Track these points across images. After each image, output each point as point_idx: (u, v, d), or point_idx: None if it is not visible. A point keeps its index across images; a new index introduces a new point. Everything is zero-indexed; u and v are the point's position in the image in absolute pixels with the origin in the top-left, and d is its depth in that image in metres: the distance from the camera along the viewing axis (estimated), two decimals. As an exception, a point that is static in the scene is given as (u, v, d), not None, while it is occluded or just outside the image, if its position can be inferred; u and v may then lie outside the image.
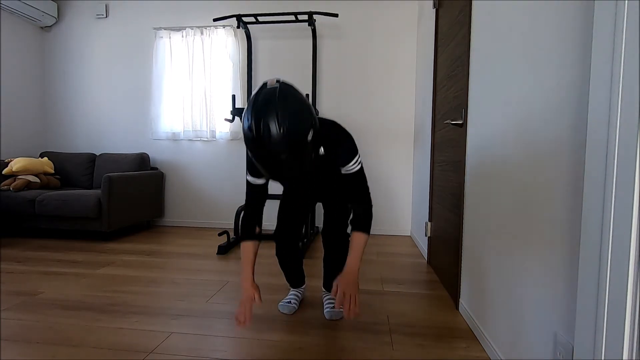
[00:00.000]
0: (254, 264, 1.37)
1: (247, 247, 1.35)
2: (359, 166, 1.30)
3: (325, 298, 1.67)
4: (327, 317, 1.56)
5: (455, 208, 1.75)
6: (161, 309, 1.61)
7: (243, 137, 1.07)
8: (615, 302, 0.62)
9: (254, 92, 1.05)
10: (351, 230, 1.34)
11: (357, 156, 1.29)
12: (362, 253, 1.30)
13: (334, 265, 1.60)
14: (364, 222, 1.31)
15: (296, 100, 1.04)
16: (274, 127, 0.97)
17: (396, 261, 2.40)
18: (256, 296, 1.30)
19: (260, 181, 1.37)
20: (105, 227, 2.79)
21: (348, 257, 1.29)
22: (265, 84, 1.05)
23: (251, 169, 1.35)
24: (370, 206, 1.33)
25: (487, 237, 1.32)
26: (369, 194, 1.34)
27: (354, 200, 1.33)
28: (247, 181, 1.37)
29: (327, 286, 1.67)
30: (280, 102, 0.99)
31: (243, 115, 1.05)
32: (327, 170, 1.37)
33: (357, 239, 1.30)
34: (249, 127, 0.99)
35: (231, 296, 1.77)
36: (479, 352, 1.28)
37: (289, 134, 0.98)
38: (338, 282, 1.23)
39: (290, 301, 1.64)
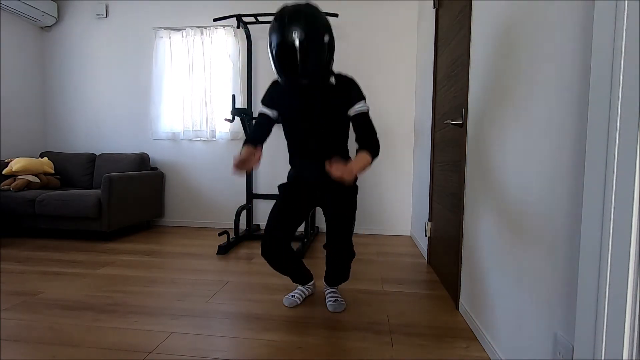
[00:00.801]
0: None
1: (247, 146, 1.45)
2: (368, 108, 1.43)
3: (327, 292, 1.69)
4: (329, 309, 1.59)
5: (455, 208, 1.75)
6: (161, 309, 1.61)
7: (268, 34, 1.28)
8: (615, 302, 0.62)
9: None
10: (357, 149, 1.41)
11: (365, 100, 1.43)
12: (363, 166, 1.35)
13: (337, 261, 1.60)
14: (371, 145, 1.39)
15: (318, 10, 1.27)
16: (298, 12, 1.20)
17: (396, 261, 2.40)
18: (258, 154, 1.29)
19: (270, 112, 1.50)
20: (105, 227, 2.79)
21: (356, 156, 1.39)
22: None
23: (265, 97, 1.51)
24: (379, 146, 1.43)
25: (487, 237, 1.32)
26: (377, 136, 1.44)
27: (363, 140, 1.41)
28: (259, 113, 1.53)
29: (329, 281, 1.68)
30: (305, 5, 1.24)
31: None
32: (336, 112, 1.43)
33: (361, 154, 1.37)
34: (274, 19, 1.23)
35: (231, 296, 1.77)
36: (479, 352, 1.28)
37: (309, 20, 1.20)
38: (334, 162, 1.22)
39: (294, 295, 1.67)
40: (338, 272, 1.62)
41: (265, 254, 1.48)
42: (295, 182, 1.58)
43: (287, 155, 1.63)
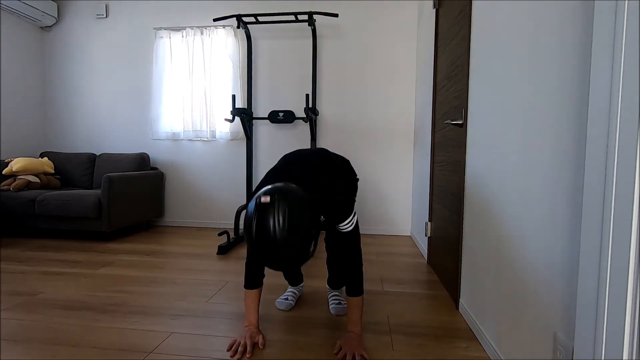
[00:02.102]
0: (258, 308, 1.39)
1: (251, 294, 1.36)
2: (353, 226, 1.29)
3: (330, 295, 1.69)
4: (332, 312, 1.59)
5: (455, 208, 1.75)
6: (161, 309, 1.61)
7: (244, 232, 1.06)
8: (615, 302, 0.62)
9: (252, 209, 1.02)
10: (346, 296, 1.34)
11: (352, 216, 1.28)
12: (362, 314, 1.33)
13: (339, 265, 1.60)
14: (356, 286, 1.32)
15: (296, 220, 1.00)
16: (279, 252, 0.98)
17: (396, 261, 2.40)
18: (261, 340, 1.31)
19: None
20: (105, 227, 2.79)
21: (348, 323, 1.32)
22: (259, 198, 1.01)
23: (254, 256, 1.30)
24: (361, 266, 1.34)
25: (487, 237, 1.32)
26: (360, 254, 1.34)
27: (345, 256, 1.33)
28: (250, 262, 1.36)
29: (332, 284, 1.69)
30: (281, 230, 0.97)
31: (245, 217, 1.05)
32: (327, 226, 1.35)
33: (353, 304, 1.32)
34: (254, 245, 0.99)
35: (231, 296, 1.77)
36: (479, 352, 1.28)
37: (291, 251, 0.99)
38: (342, 344, 1.26)
39: (287, 298, 1.66)
40: (341, 266, 1.54)
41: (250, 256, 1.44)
42: None
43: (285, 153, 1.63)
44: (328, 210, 1.22)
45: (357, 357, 1.20)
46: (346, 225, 1.28)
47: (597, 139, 0.66)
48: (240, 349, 1.25)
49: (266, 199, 1.00)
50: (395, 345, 1.32)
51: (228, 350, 1.27)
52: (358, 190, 1.59)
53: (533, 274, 0.98)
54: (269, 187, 1.05)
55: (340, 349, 1.26)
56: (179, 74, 3.40)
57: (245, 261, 1.41)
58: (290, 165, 1.31)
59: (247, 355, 1.24)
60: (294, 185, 1.08)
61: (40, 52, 3.67)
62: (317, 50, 3.24)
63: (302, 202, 1.03)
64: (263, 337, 1.33)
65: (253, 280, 1.35)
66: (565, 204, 0.83)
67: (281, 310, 1.61)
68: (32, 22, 3.51)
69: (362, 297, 1.33)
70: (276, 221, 0.97)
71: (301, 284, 1.75)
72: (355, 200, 1.36)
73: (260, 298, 1.39)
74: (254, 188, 3.26)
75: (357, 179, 1.46)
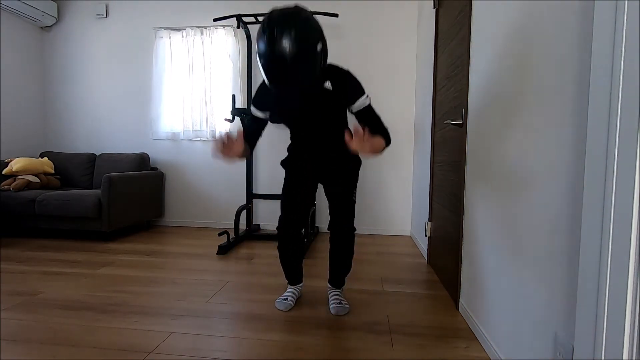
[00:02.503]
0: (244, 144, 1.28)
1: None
2: (370, 100, 1.35)
3: (331, 294, 1.69)
4: (332, 312, 1.58)
5: (455, 208, 1.75)
6: (161, 309, 1.61)
7: (256, 40, 1.14)
8: (615, 302, 0.62)
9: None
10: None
11: (366, 91, 1.34)
12: (379, 146, 1.24)
13: (340, 262, 1.65)
14: (382, 134, 1.30)
15: (309, 15, 1.14)
16: (287, 23, 1.07)
17: (396, 261, 2.40)
18: (239, 135, 1.23)
19: (262, 114, 1.43)
20: (105, 227, 2.79)
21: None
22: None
23: (256, 99, 1.42)
24: (389, 134, 1.35)
25: (487, 237, 1.32)
26: (385, 125, 1.36)
27: (373, 131, 1.28)
28: (251, 115, 1.45)
29: (333, 282, 1.69)
30: (294, 10, 1.10)
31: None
32: (334, 109, 1.38)
33: (376, 137, 1.23)
34: (262, 28, 1.09)
35: (231, 296, 1.77)
36: (479, 352, 1.28)
37: (300, 32, 1.07)
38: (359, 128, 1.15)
39: (286, 298, 1.66)
40: (343, 258, 1.65)
41: (282, 246, 1.61)
42: (298, 157, 1.59)
43: (285, 154, 1.64)
44: (338, 78, 1.30)
45: (354, 145, 1.13)
46: (364, 99, 1.33)
47: (597, 139, 0.66)
48: (218, 144, 1.19)
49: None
50: (395, 345, 1.32)
51: (217, 151, 1.21)
52: (358, 190, 1.61)
53: (533, 273, 0.98)
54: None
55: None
56: (179, 74, 3.40)
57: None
58: None
59: (225, 139, 1.18)
60: None
61: (40, 52, 3.67)
62: (317, 50, 3.24)
63: (316, 22, 1.15)
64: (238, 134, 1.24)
65: (245, 136, 1.29)
66: (565, 204, 0.83)
67: (281, 310, 1.61)
68: (32, 22, 3.51)
69: (384, 142, 1.29)
70: (290, 15, 1.09)
71: (300, 284, 1.75)
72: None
73: (245, 148, 1.30)
74: (253, 188, 3.26)
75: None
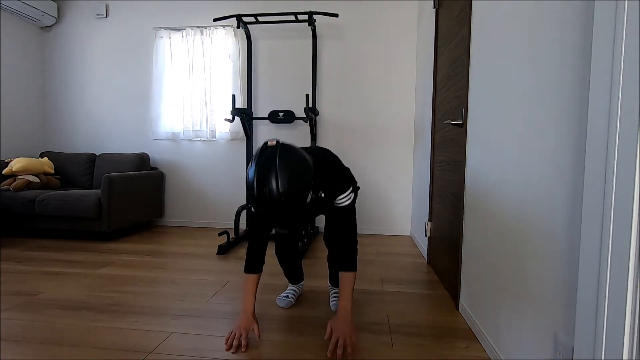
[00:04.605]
0: (255, 295, 1.39)
1: (250, 279, 1.38)
2: (349, 201, 1.33)
3: (331, 292, 1.70)
4: (333, 309, 1.60)
5: (455, 208, 1.75)
6: (161, 309, 1.61)
7: (246, 191, 1.13)
8: (615, 302, 0.62)
9: (256, 152, 1.10)
10: (339, 271, 1.36)
11: (350, 191, 1.32)
12: (353, 292, 1.34)
13: (339, 261, 1.59)
14: (349, 260, 1.34)
15: (296, 164, 1.09)
16: (274, 192, 1.03)
17: (396, 261, 2.40)
18: (256, 329, 1.31)
19: (265, 230, 1.40)
20: (105, 227, 2.79)
21: (339, 300, 1.33)
22: (266, 144, 1.10)
23: (256, 223, 1.38)
24: (355, 242, 1.36)
25: (487, 237, 1.32)
26: (355, 229, 1.37)
27: (339, 231, 1.36)
28: (253, 235, 1.39)
29: (333, 282, 1.70)
30: (280, 167, 1.04)
31: (247, 169, 1.11)
32: (326, 206, 1.37)
33: (345, 280, 1.33)
34: (252, 188, 1.05)
35: (231, 296, 1.77)
36: (479, 352, 1.28)
37: (289, 199, 1.04)
38: (332, 326, 1.27)
39: (287, 295, 1.67)
40: (342, 261, 1.43)
41: (279, 253, 1.60)
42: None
43: None
44: (326, 183, 1.26)
45: (347, 345, 1.20)
46: (343, 199, 1.32)
47: (597, 139, 0.66)
48: (235, 342, 1.26)
49: (272, 143, 1.09)
50: (395, 345, 1.32)
51: (225, 344, 1.28)
52: (358, 190, 1.60)
53: (533, 273, 0.98)
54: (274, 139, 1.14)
55: (332, 333, 1.26)
56: (179, 74, 3.40)
57: (247, 245, 1.46)
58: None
59: (243, 350, 1.25)
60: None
61: (40, 52, 3.67)
62: (317, 50, 3.24)
63: (304, 157, 1.12)
64: (258, 326, 1.33)
65: (253, 263, 1.38)
66: (565, 204, 0.83)
67: (281, 307, 1.62)
68: (32, 22, 3.51)
69: (355, 273, 1.35)
70: (278, 165, 1.04)
71: (301, 282, 1.76)
72: (355, 194, 1.39)
73: (258, 284, 1.40)
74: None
75: (358, 187, 1.43)
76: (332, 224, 1.43)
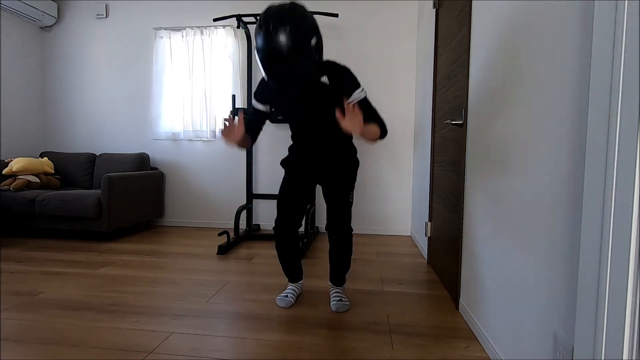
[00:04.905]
0: (244, 138, 1.44)
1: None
2: (365, 94, 1.38)
3: (332, 292, 1.70)
4: (333, 309, 1.60)
5: (455, 208, 1.75)
6: (161, 309, 1.61)
7: (254, 36, 1.20)
8: (615, 302, 0.62)
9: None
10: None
11: (361, 85, 1.38)
12: (373, 132, 1.35)
13: (339, 260, 1.65)
14: (378, 123, 1.37)
15: (304, 11, 1.19)
16: (282, 19, 1.12)
17: (396, 261, 2.40)
18: (240, 119, 1.33)
19: (262, 107, 1.50)
20: (105, 227, 2.79)
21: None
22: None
23: (257, 92, 1.49)
24: (385, 126, 1.41)
25: (487, 237, 1.32)
26: (381, 117, 1.42)
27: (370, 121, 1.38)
28: (252, 108, 1.52)
29: (334, 280, 1.70)
30: (289, 7, 1.16)
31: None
32: (331, 103, 1.39)
33: (371, 124, 1.35)
34: (259, 24, 1.15)
35: (231, 296, 1.77)
36: (479, 352, 1.28)
37: (295, 27, 1.13)
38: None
39: (287, 295, 1.68)
40: (341, 257, 1.64)
41: (279, 246, 1.62)
42: (297, 156, 1.61)
43: (285, 154, 1.65)
44: (334, 72, 1.36)
45: (345, 123, 1.18)
46: (360, 93, 1.37)
47: (597, 139, 0.66)
48: (225, 131, 1.30)
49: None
50: (395, 345, 1.32)
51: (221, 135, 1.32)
52: (358, 190, 1.62)
53: (533, 273, 0.98)
54: None
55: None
56: (179, 74, 3.40)
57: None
58: None
59: (235, 134, 1.30)
60: None
61: (40, 52, 3.67)
62: (317, 50, 3.24)
63: (311, 18, 1.21)
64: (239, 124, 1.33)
65: (251, 126, 1.50)
66: (565, 204, 0.83)
67: (281, 307, 1.62)
68: (32, 22, 3.51)
69: (379, 131, 1.39)
70: (285, 11, 1.15)
71: (300, 281, 1.76)
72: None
73: (246, 140, 1.47)
74: (253, 188, 3.27)
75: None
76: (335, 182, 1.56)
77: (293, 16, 1.15)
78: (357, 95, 1.36)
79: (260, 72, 3.29)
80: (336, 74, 1.37)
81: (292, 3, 1.19)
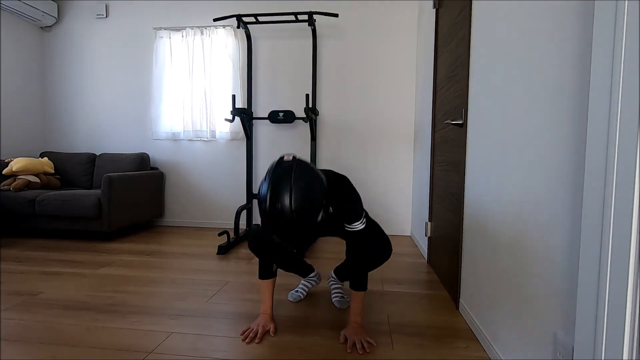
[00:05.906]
0: (273, 296, 1.48)
1: (265, 283, 1.45)
2: (364, 225, 1.33)
3: (333, 287, 1.72)
4: (337, 306, 1.65)
5: (455, 208, 1.75)
6: (161, 309, 1.61)
7: (258, 205, 1.10)
8: (615, 302, 0.62)
9: (270, 166, 1.11)
10: (350, 288, 1.41)
11: (363, 216, 1.32)
12: (363, 306, 1.41)
13: (351, 277, 1.45)
14: (362, 281, 1.40)
15: (311, 182, 1.08)
16: (287, 208, 1.03)
17: (396, 261, 2.40)
18: (272, 328, 1.40)
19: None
20: (105, 227, 2.79)
21: (350, 315, 1.39)
22: (282, 158, 1.12)
23: (258, 239, 1.42)
24: (383, 256, 1.38)
25: (487, 237, 1.32)
26: (384, 237, 1.39)
27: (356, 268, 1.41)
28: (260, 231, 1.42)
29: (338, 274, 1.70)
30: (295, 183, 1.04)
31: (260, 184, 1.11)
32: (336, 224, 1.37)
33: (355, 297, 1.40)
34: (264, 201, 1.05)
35: (231, 296, 1.77)
36: (479, 352, 1.28)
37: (300, 216, 1.04)
38: (345, 334, 1.34)
39: (297, 290, 1.73)
40: (361, 277, 1.42)
41: (252, 246, 1.44)
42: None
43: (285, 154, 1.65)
44: (338, 204, 1.26)
45: (364, 344, 1.28)
46: (357, 224, 1.32)
47: (597, 139, 0.66)
48: (251, 335, 1.35)
49: (289, 157, 1.10)
50: (395, 345, 1.32)
51: (241, 335, 1.36)
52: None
53: (533, 273, 0.98)
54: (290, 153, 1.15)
55: (346, 339, 1.33)
56: (179, 74, 3.40)
57: (246, 245, 1.50)
58: None
59: (256, 341, 1.33)
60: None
61: (40, 52, 3.67)
62: (317, 50, 3.24)
63: (319, 175, 1.13)
64: (275, 326, 1.42)
65: (266, 270, 1.44)
66: (565, 204, 0.83)
67: (290, 301, 1.69)
68: (32, 22, 3.51)
69: (365, 292, 1.42)
70: (293, 181, 1.04)
71: (312, 274, 1.73)
72: (364, 210, 1.36)
73: (274, 287, 1.48)
74: (253, 188, 3.26)
75: (366, 213, 1.39)
76: (357, 244, 1.38)
77: (298, 199, 1.03)
78: (355, 226, 1.31)
79: (259, 74, 3.30)
80: (339, 205, 1.26)
81: (296, 174, 1.05)
